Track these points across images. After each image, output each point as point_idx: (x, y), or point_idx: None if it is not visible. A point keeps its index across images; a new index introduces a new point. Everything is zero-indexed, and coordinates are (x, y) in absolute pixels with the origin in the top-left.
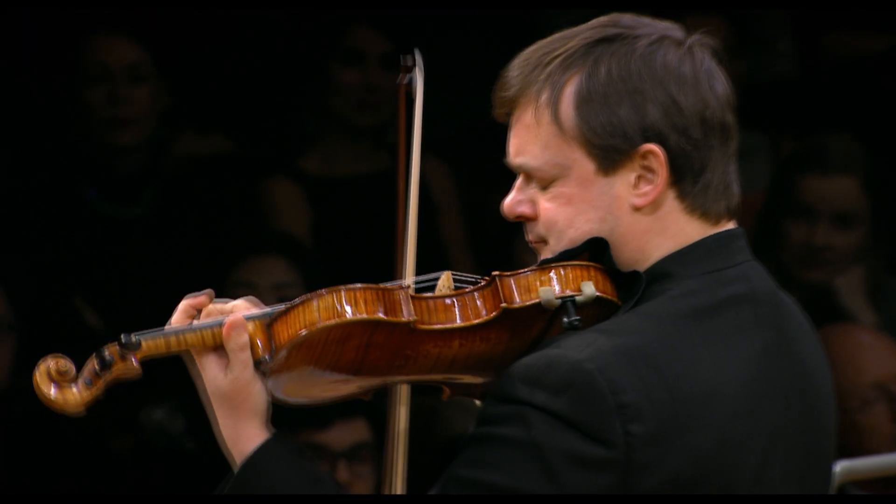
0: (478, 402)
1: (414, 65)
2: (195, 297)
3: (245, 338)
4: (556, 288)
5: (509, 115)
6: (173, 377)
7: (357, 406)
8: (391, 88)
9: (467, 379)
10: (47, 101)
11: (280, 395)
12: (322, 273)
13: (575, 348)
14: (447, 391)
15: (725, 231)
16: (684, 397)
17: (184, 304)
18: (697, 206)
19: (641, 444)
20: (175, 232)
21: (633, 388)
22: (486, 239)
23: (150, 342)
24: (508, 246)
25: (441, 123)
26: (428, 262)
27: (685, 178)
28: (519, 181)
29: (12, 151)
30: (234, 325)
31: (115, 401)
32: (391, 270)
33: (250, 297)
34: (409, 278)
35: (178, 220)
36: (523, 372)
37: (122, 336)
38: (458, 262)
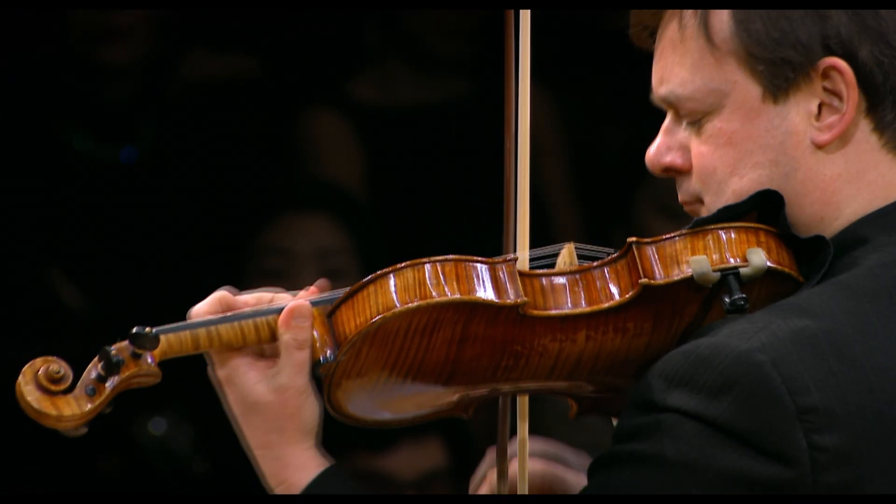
0: (615, 421)
1: None
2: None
3: (309, 332)
4: (714, 257)
5: (652, 35)
6: (178, 377)
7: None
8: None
9: (599, 386)
10: (9, 8)
11: (348, 411)
12: (379, 235)
13: (740, 335)
14: (574, 406)
15: None
16: (890, 398)
17: (217, 295)
18: None
19: (833, 460)
20: (183, 181)
21: (820, 386)
22: (601, 192)
23: (171, 337)
24: (628, 203)
25: (545, 37)
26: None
27: (883, 104)
28: (666, 122)
29: None
30: (298, 313)
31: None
32: (470, 230)
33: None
34: (521, 251)
35: (187, 166)
36: (670, 369)
37: (136, 329)
38: (563, 222)
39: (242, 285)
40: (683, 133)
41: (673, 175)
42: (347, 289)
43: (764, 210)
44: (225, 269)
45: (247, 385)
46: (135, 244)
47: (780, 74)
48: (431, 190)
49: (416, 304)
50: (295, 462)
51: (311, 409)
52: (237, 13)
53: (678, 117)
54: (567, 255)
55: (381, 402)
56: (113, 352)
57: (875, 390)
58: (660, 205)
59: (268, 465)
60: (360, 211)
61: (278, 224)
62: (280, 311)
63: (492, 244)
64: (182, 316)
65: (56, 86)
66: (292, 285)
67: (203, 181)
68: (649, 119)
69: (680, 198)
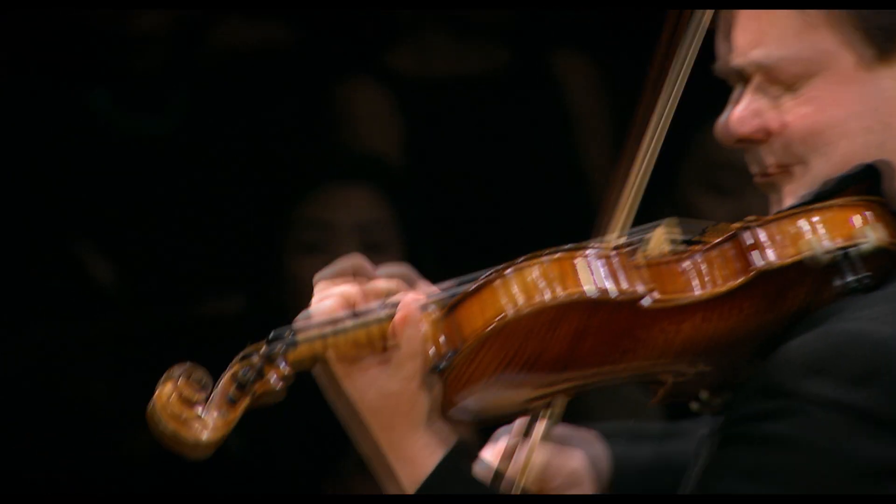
0: (703, 396)
1: None
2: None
3: (418, 342)
4: (828, 236)
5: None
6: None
7: None
8: None
9: (699, 368)
10: None
11: (453, 411)
12: (422, 207)
13: (876, 321)
14: (660, 391)
15: None
16: None
17: (342, 293)
18: None
19: None
20: (216, 154)
21: None
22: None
23: (303, 347)
24: (674, 179)
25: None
26: (561, 202)
27: None
28: (743, 90)
29: None
30: (409, 320)
31: (130, 380)
32: (511, 203)
33: (396, 271)
34: (613, 235)
35: (220, 138)
36: (803, 358)
37: (274, 333)
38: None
39: (281, 259)
40: (763, 101)
41: (748, 145)
42: (465, 287)
43: (864, 184)
44: (263, 242)
45: (367, 384)
46: (169, 217)
47: (884, 36)
48: (472, 161)
49: (543, 302)
50: (416, 451)
51: (429, 401)
52: None
53: (760, 87)
54: (664, 234)
55: (487, 401)
56: (254, 358)
57: None
58: (707, 181)
59: (385, 453)
60: (399, 183)
61: (317, 196)
62: (391, 316)
63: (531, 215)
64: (215, 289)
65: (86, 56)
66: (331, 259)
67: (237, 154)
68: (691, 91)
69: (757, 168)
